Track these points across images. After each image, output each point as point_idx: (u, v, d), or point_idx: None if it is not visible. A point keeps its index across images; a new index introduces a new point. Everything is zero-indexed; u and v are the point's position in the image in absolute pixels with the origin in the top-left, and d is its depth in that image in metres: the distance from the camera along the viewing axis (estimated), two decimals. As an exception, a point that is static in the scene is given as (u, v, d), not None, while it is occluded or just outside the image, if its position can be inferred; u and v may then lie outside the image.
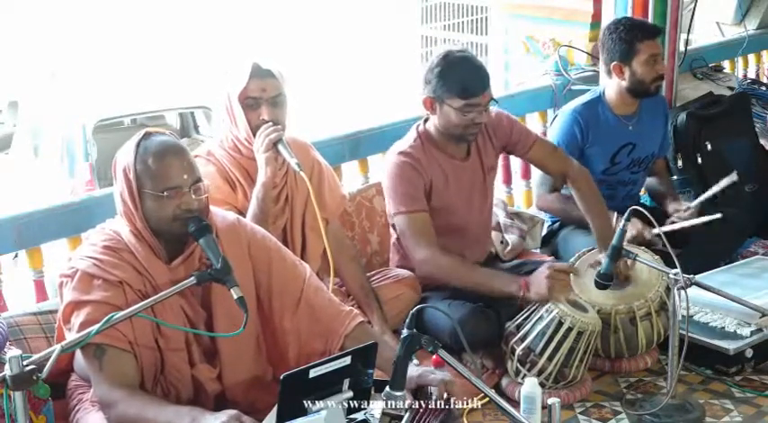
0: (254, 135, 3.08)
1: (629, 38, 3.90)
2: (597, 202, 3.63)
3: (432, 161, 3.41)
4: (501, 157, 3.86)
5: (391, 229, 3.56)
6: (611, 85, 4.03)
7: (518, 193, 4.85)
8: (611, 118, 4.02)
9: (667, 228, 3.65)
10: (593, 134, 3.98)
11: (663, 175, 4.33)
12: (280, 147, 3.06)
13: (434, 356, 2.52)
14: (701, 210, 3.89)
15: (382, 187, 3.52)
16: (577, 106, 4.04)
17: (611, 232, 3.31)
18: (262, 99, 3.08)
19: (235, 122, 3.12)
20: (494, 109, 3.50)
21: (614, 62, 3.94)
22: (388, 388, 2.34)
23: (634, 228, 3.65)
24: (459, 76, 3.29)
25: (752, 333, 3.34)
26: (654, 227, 3.04)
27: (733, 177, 3.81)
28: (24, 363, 2.08)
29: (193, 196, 2.47)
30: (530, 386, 2.82)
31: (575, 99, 4.17)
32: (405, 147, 3.43)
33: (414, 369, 2.50)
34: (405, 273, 3.49)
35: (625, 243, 3.18)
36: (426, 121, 3.48)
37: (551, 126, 4.24)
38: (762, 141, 5.03)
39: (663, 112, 4.23)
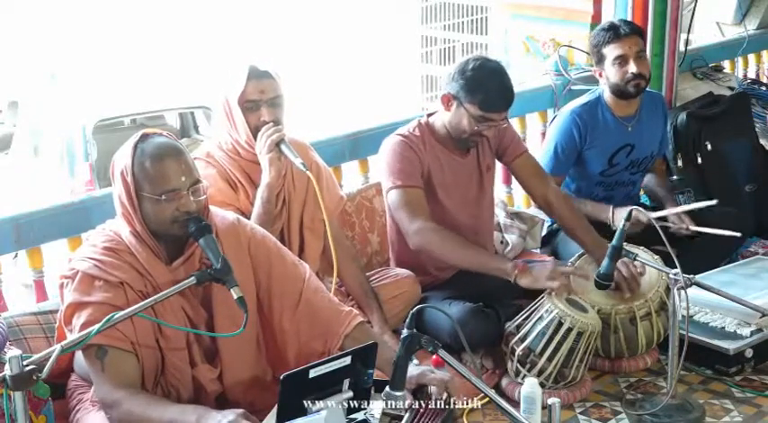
0: (254, 137, 3.08)
1: (597, 42, 3.95)
2: (581, 221, 3.59)
3: (430, 151, 3.42)
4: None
5: (388, 222, 3.55)
6: (605, 88, 4.05)
7: (518, 193, 4.84)
8: (610, 119, 4.01)
9: (661, 213, 3.76)
10: (592, 136, 3.97)
11: (660, 174, 4.32)
12: (283, 147, 3.06)
13: (434, 356, 2.52)
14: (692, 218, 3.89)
15: (381, 183, 3.51)
16: (576, 108, 4.03)
17: (602, 245, 3.31)
18: (261, 101, 3.08)
19: (234, 126, 3.12)
20: None
21: (595, 68, 4.02)
22: (388, 388, 2.34)
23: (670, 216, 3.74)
24: (488, 88, 3.29)
25: (752, 333, 3.34)
26: (654, 227, 3.04)
27: (711, 203, 3.80)
28: (24, 363, 2.08)
29: (192, 198, 2.47)
30: (530, 386, 2.83)
31: (574, 99, 4.17)
32: (404, 131, 3.45)
33: (413, 368, 2.50)
34: (404, 272, 3.48)
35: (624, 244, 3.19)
36: (430, 115, 3.49)
37: (550, 126, 4.23)
38: (762, 141, 5.03)
39: (662, 111, 4.22)
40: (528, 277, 3.13)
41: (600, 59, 3.96)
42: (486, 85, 3.29)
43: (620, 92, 3.96)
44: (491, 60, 3.41)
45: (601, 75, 3.98)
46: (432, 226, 3.28)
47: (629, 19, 4.56)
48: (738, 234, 3.80)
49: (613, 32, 3.92)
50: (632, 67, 3.89)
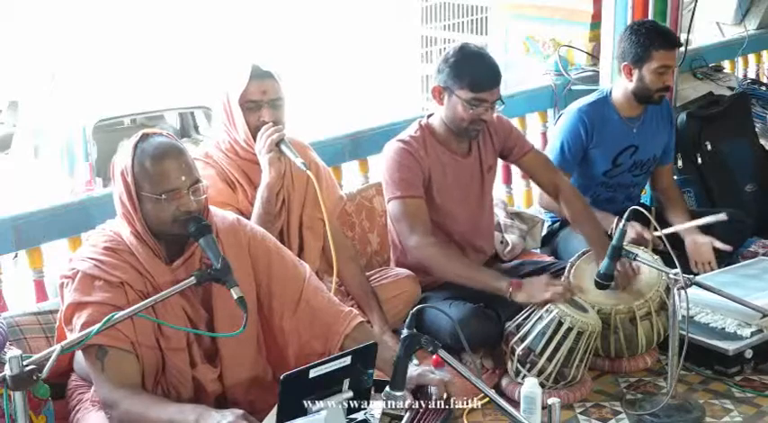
0: (254, 137, 3.08)
1: (646, 43, 3.85)
2: (589, 215, 3.59)
3: (431, 153, 3.42)
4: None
5: (389, 225, 3.55)
6: (619, 85, 4.01)
7: (518, 193, 4.85)
8: (615, 119, 4.00)
9: (668, 230, 3.62)
10: (598, 134, 3.97)
11: (679, 204, 4.20)
12: (283, 147, 3.05)
13: (434, 356, 2.52)
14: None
15: (382, 185, 3.52)
16: (583, 106, 4.02)
17: (606, 241, 3.31)
18: (263, 101, 3.08)
19: (234, 125, 3.12)
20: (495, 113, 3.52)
21: (625, 63, 3.92)
22: (388, 388, 2.35)
23: (633, 230, 3.64)
24: (473, 69, 3.30)
25: (752, 334, 3.33)
26: (655, 228, 3.04)
27: (722, 217, 3.73)
28: (24, 363, 2.08)
29: (192, 197, 2.47)
30: (530, 386, 2.82)
31: (580, 98, 4.15)
32: (405, 136, 3.44)
33: (413, 369, 2.50)
34: (404, 272, 3.48)
35: (625, 243, 3.18)
36: (430, 116, 3.49)
37: (556, 125, 4.21)
38: (762, 141, 5.03)
39: (668, 116, 4.19)
40: (523, 294, 3.14)
41: (641, 59, 3.85)
42: (471, 67, 3.30)
43: (644, 97, 3.94)
44: (470, 44, 3.43)
45: (631, 72, 3.90)
46: (430, 242, 3.30)
47: (629, 20, 4.55)
48: (723, 216, 3.74)
49: (669, 41, 3.88)
50: (668, 80, 3.90)
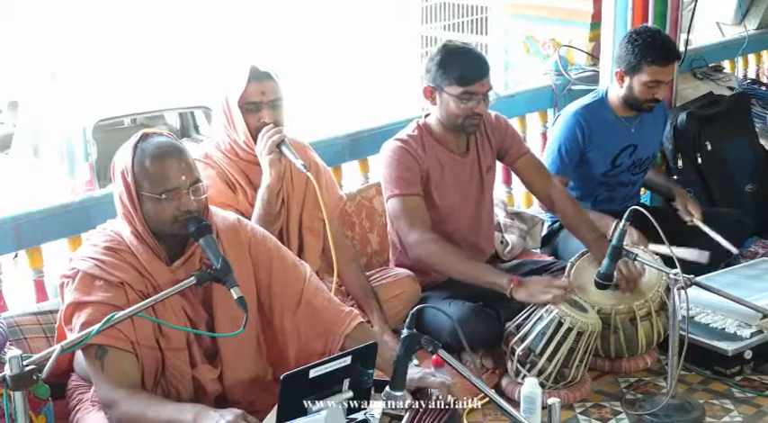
0: (254, 138, 3.08)
1: (640, 55, 3.84)
2: (583, 219, 3.60)
3: (429, 151, 3.42)
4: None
5: (389, 225, 3.55)
6: (614, 88, 4.02)
7: (518, 193, 4.85)
8: (613, 120, 4.00)
9: (659, 248, 3.54)
10: (596, 136, 3.96)
11: (655, 167, 4.31)
12: (283, 148, 3.06)
13: (434, 356, 2.52)
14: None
15: (381, 185, 3.52)
16: (579, 108, 4.01)
17: (603, 243, 3.31)
18: (262, 103, 3.07)
19: (233, 126, 3.12)
20: (492, 112, 3.51)
21: (618, 69, 3.93)
22: (388, 388, 2.34)
23: (629, 239, 3.61)
24: (458, 64, 3.31)
25: (752, 335, 3.33)
26: (656, 229, 3.04)
27: (703, 258, 3.63)
28: (24, 363, 2.08)
29: (192, 197, 2.47)
30: (530, 386, 2.83)
31: (576, 100, 4.15)
32: (403, 135, 3.45)
33: (414, 370, 2.50)
34: (404, 272, 3.48)
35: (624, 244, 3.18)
36: (428, 116, 3.49)
37: (552, 128, 4.22)
38: (762, 141, 5.03)
39: (663, 113, 4.22)
40: (523, 292, 3.14)
41: (633, 68, 3.85)
42: (457, 62, 3.31)
43: (633, 105, 3.95)
44: (454, 41, 3.46)
45: (623, 78, 3.90)
46: (430, 237, 3.29)
47: (629, 20, 4.55)
48: (734, 250, 3.83)
49: (663, 56, 3.85)
50: (659, 93, 3.89)
